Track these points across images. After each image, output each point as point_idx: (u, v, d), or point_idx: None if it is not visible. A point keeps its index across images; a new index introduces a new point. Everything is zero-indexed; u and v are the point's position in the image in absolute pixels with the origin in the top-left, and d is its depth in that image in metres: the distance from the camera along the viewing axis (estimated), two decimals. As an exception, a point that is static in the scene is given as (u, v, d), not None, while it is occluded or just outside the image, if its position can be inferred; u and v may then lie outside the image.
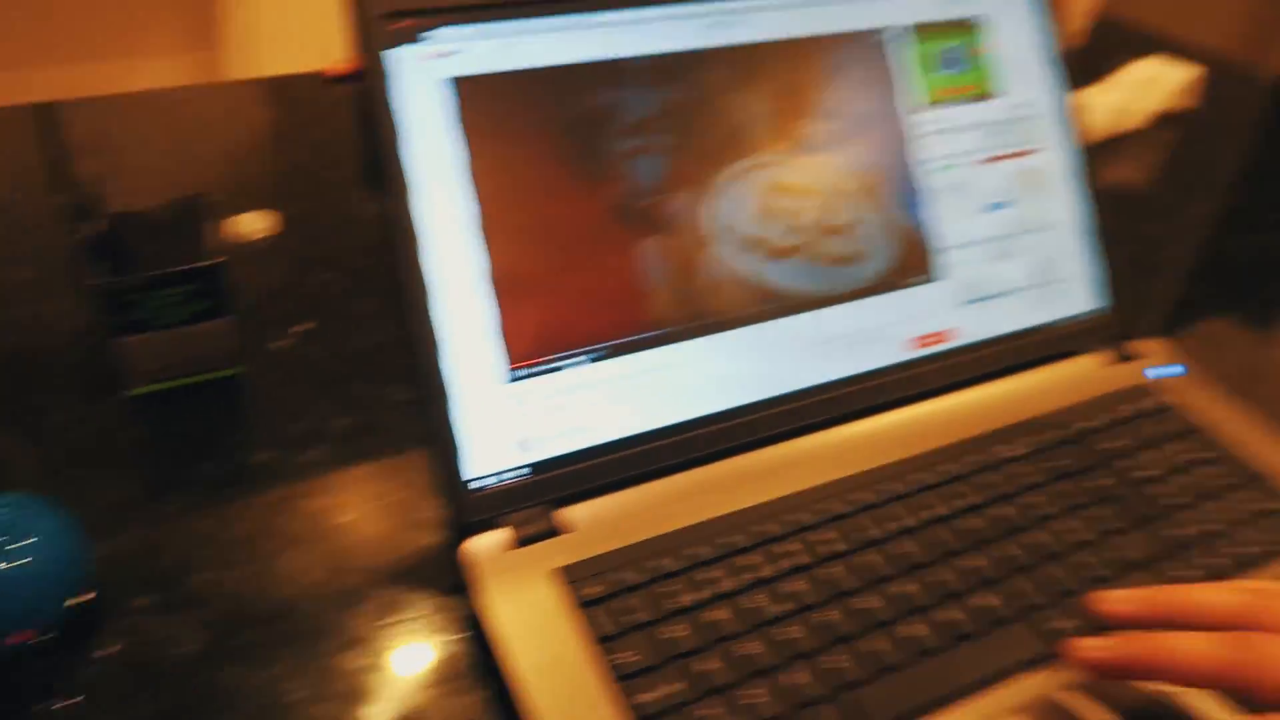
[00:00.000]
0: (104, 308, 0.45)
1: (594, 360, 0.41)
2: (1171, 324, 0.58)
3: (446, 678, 0.37)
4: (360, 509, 0.44)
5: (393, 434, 0.48)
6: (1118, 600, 0.36)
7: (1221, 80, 0.96)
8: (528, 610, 0.37)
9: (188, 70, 1.90)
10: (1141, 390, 0.50)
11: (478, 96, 0.41)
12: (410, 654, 0.38)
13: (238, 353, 0.49)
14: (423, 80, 0.40)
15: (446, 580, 0.40)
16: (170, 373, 0.48)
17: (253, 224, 0.62)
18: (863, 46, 0.47)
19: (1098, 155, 0.80)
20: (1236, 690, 0.32)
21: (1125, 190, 0.77)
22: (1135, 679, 0.34)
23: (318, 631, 0.38)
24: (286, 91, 0.82)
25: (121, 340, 0.45)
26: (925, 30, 0.49)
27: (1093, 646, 0.34)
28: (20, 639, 0.34)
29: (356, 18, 0.40)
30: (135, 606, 0.38)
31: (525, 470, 0.41)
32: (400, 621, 0.39)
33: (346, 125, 0.78)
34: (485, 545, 0.39)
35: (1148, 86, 0.83)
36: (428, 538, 0.43)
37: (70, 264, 0.57)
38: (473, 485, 0.40)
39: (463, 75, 0.41)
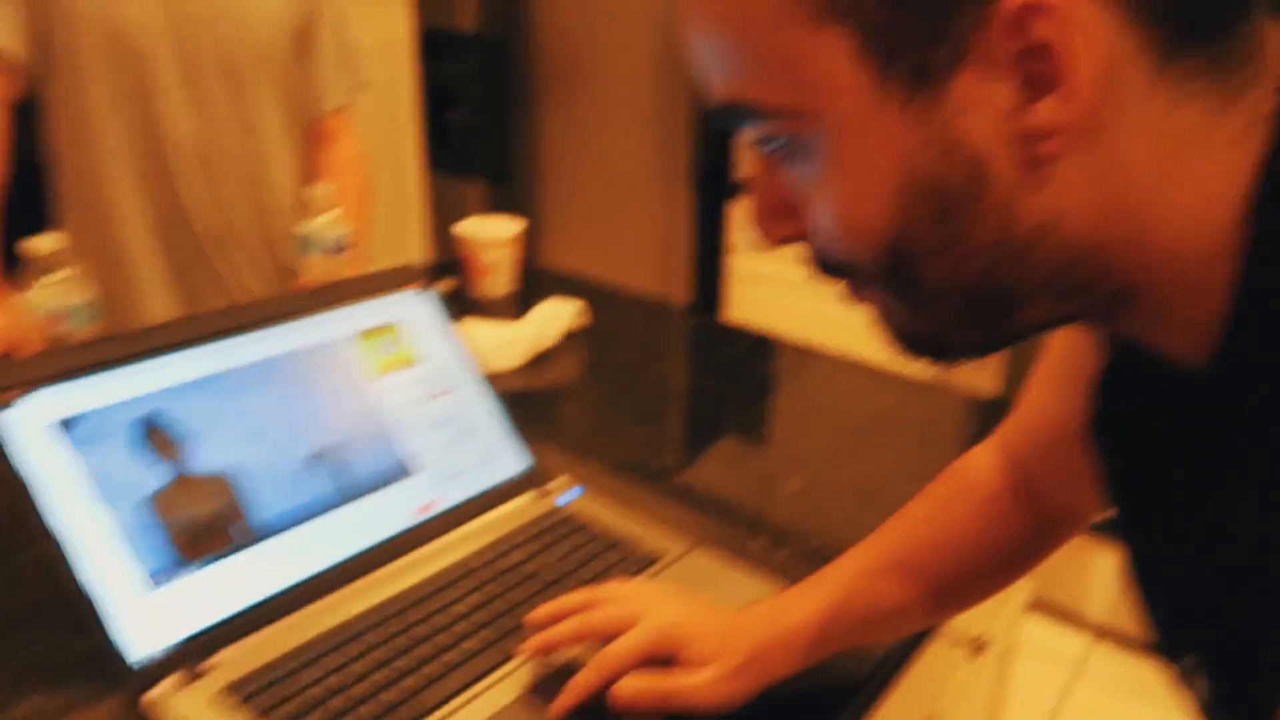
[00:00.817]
0: None
1: (205, 566, 0.70)
2: (579, 462, 0.99)
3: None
4: (74, 698, 0.66)
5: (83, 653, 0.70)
6: (534, 616, 0.71)
7: (627, 306, 1.49)
8: (211, 717, 0.63)
9: None
10: (555, 510, 0.89)
11: (76, 426, 0.69)
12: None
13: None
14: (33, 427, 0.67)
15: None
16: None
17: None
18: (330, 349, 0.83)
19: (532, 368, 1.23)
20: (590, 639, 0.69)
21: (552, 387, 1.21)
22: (551, 651, 0.69)
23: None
24: None
25: None
26: (367, 333, 0.87)
27: (527, 644, 0.69)
28: None
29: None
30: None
31: (183, 641, 0.67)
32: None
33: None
34: (166, 692, 0.65)
35: (553, 317, 1.30)
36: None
37: None
38: (134, 662, 0.65)
39: (62, 418, 0.68)
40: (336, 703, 0.66)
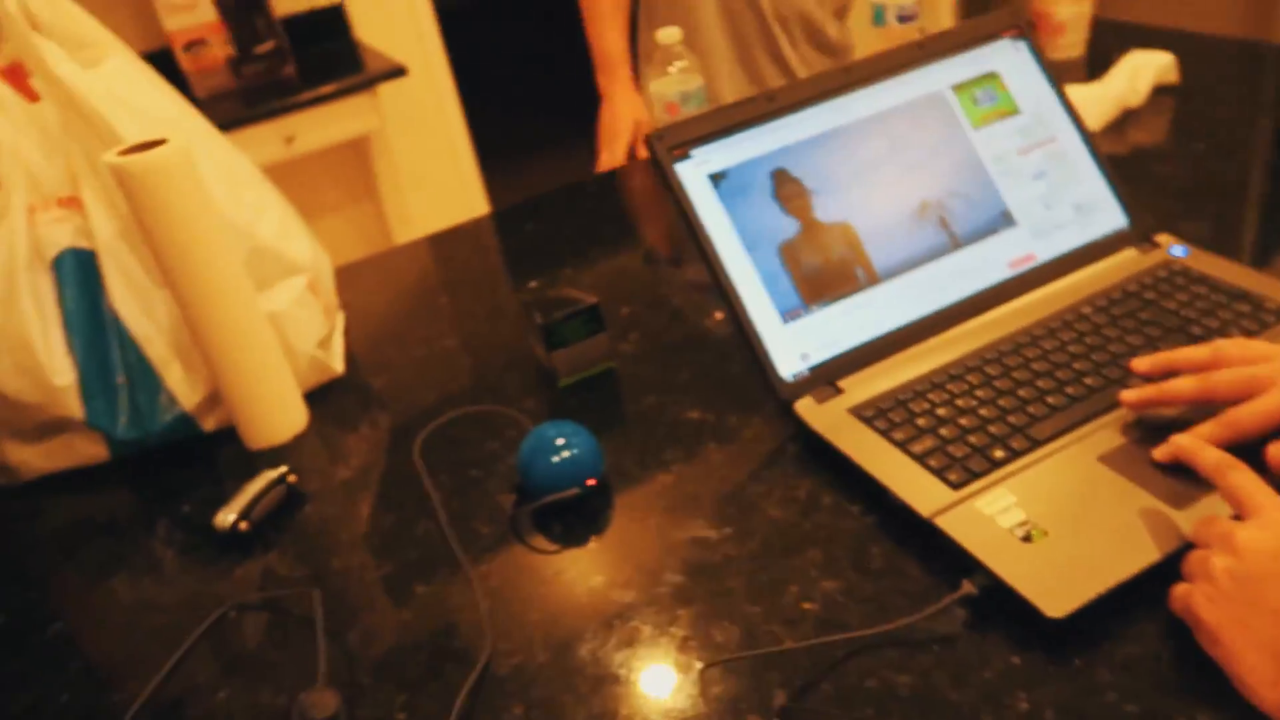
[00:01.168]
0: (541, 337, 0.83)
1: (828, 305, 0.79)
2: (1180, 222, 0.93)
3: (804, 462, 0.73)
4: (723, 411, 0.81)
5: (725, 377, 0.85)
6: (1143, 361, 0.69)
7: (1216, 54, 1.31)
8: (842, 429, 0.73)
9: (357, 219, 2.41)
10: (1164, 264, 0.85)
11: (722, 181, 0.79)
12: (791, 455, 0.74)
13: (610, 354, 0.87)
14: (696, 180, 0.78)
15: (791, 427, 0.77)
16: (579, 370, 0.86)
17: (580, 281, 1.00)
18: (932, 102, 0.85)
19: (1116, 128, 1.15)
20: (1206, 403, 0.64)
21: (1143, 145, 1.12)
22: (1155, 408, 0.67)
23: (740, 448, 0.75)
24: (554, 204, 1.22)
25: (553, 353, 0.84)
26: (966, 84, 0.86)
27: (1129, 395, 0.67)
28: (591, 483, 0.71)
29: (655, 152, 0.79)
30: (618, 471, 0.75)
31: (814, 366, 0.77)
32: (785, 441, 0.76)
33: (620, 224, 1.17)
34: (806, 406, 0.76)
35: (1140, 71, 1.19)
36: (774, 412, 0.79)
37: (519, 316, 0.97)
38: (786, 379, 0.76)
39: (713, 172, 0.79)
40: (947, 431, 0.71)
